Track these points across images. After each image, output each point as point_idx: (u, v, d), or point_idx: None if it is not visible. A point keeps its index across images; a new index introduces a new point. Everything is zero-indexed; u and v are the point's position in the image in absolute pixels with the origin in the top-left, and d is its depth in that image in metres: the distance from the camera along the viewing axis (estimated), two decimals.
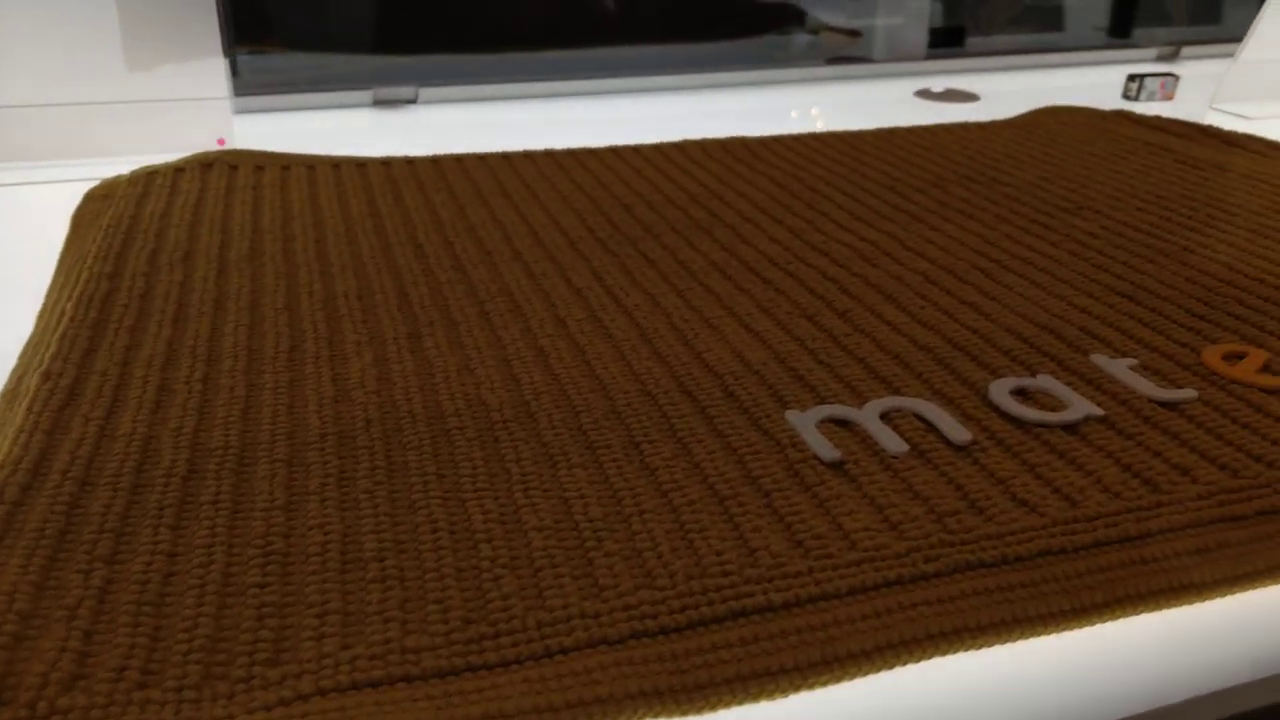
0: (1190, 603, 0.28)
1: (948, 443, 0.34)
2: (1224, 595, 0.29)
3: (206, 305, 0.45)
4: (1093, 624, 0.27)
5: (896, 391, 0.38)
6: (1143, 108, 0.93)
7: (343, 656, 0.25)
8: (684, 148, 0.71)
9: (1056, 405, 0.37)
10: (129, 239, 0.52)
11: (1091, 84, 1.00)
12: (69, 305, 0.44)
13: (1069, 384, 0.38)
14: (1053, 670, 0.26)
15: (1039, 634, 0.27)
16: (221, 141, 0.74)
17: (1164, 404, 0.37)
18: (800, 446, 0.34)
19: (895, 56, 1.07)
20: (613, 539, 0.30)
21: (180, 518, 0.30)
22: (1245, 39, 0.88)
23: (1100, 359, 0.40)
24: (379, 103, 0.90)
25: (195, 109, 0.72)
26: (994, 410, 0.36)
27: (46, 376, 0.38)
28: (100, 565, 0.28)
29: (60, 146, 0.69)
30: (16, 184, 0.65)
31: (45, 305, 0.46)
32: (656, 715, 0.24)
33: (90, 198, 0.60)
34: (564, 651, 0.26)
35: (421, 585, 0.28)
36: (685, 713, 0.24)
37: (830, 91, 0.98)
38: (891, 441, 0.34)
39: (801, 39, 1.26)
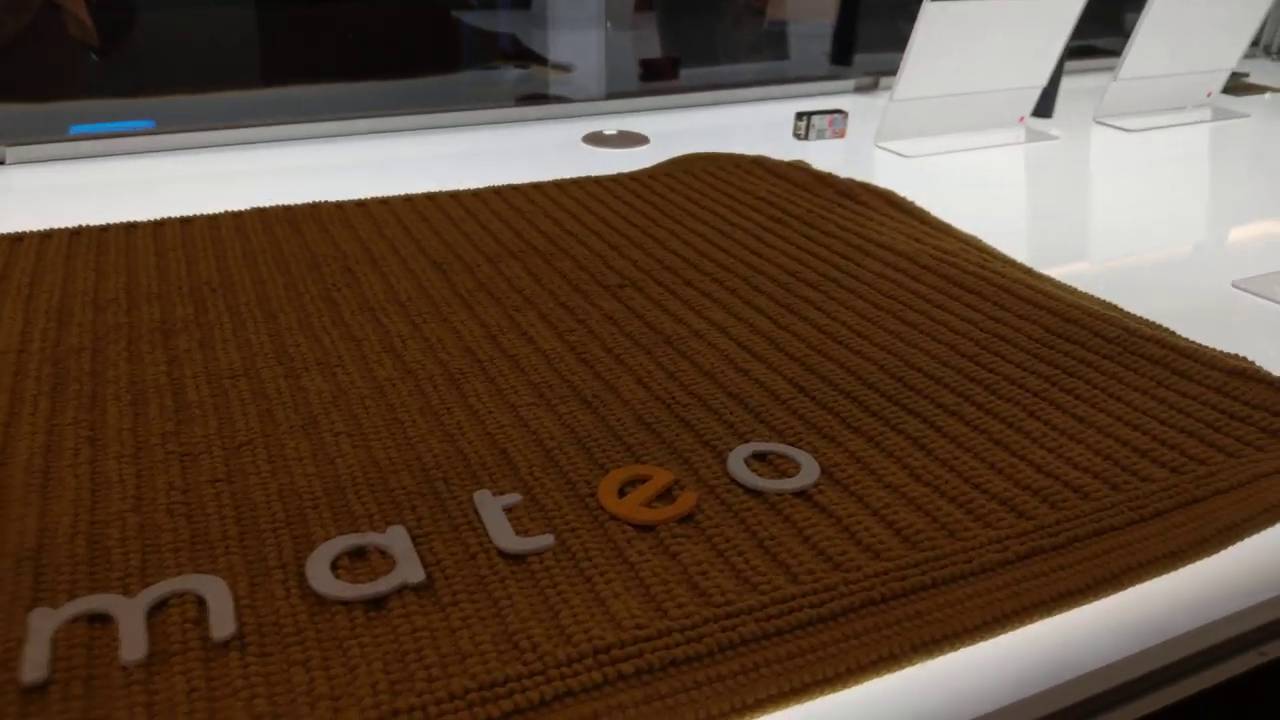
0: None
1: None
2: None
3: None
4: None
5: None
6: (814, 145, 0.92)
7: None
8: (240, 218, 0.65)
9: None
10: None
11: (780, 118, 0.98)
12: None
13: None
14: None
15: None
16: None
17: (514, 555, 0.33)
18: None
19: (578, 95, 1.04)
20: None
21: None
22: (897, 77, 0.87)
23: (480, 494, 0.36)
24: None
25: None
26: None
27: None
28: None
29: None
30: None
31: None
32: None
33: None
34: None
35: None
36: None
37: (508, 135, 0.93)
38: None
39: (510, 73, 1.22)
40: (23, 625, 0.30)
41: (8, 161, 0.81)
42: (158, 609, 0.31)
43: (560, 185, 0.73)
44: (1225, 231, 0.74)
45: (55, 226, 0.63)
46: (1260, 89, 1.20)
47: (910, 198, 0.72)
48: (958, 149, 0.90)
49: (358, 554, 0.33)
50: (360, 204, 0.68)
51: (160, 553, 0.33)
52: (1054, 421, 0.42)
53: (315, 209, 0.66)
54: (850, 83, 1.14)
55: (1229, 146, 0.97)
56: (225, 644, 0.29)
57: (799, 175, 0.76)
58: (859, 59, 1.31)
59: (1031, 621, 0.32)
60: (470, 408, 0.42)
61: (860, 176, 0.77)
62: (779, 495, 0.36)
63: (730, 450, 0.39)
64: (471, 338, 0.49)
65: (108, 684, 0.28)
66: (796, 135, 0.94)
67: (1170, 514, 0.36)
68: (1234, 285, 0.61)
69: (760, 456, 0.39)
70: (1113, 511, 0.36)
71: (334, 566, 0.33)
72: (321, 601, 0.31)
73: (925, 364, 0.47)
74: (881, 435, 0.41)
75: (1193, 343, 0.50)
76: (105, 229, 0.62)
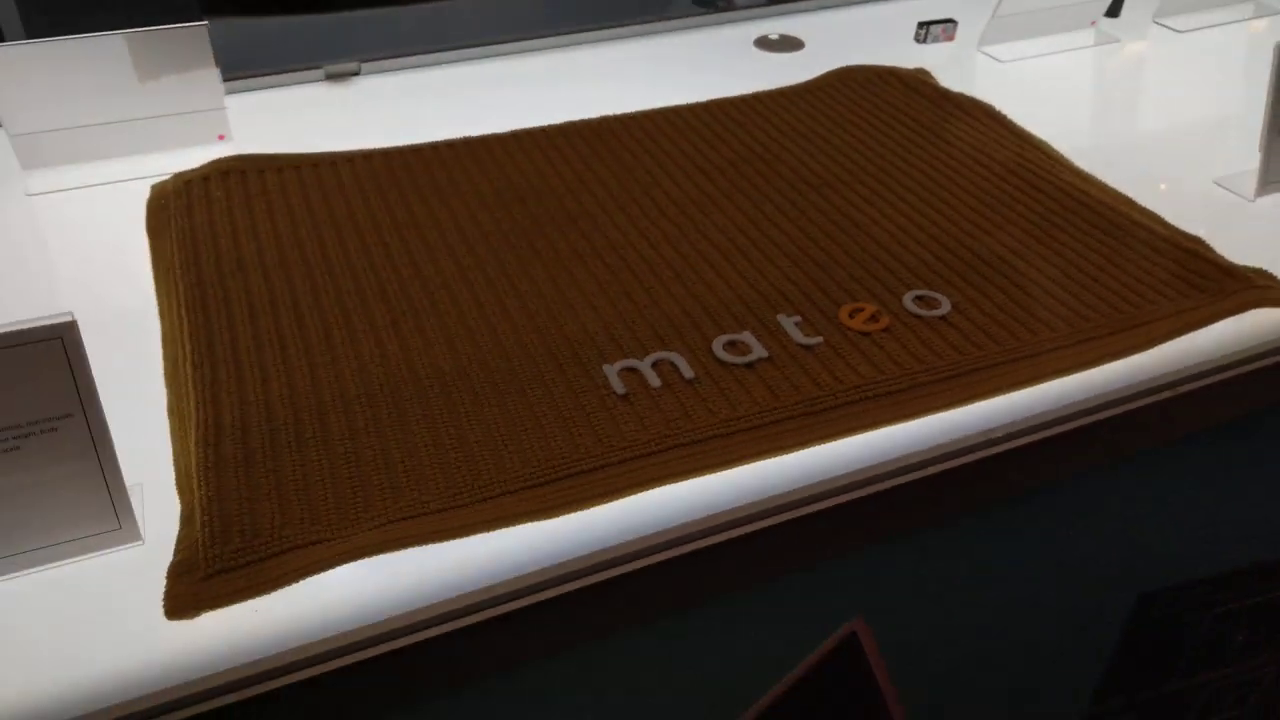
0: (776, 455, 0.62)
1: (682, 378, 0.67)
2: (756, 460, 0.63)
3: (264, 305, 0.75)
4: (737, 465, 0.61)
5: (665, 345, 0.70)
6: (931, 49, 1.22)
7: (393, 505, 0.58)
8: (564, 130, 1.00)
9: (747, 350, 0.70)
10: (195, 252, 0.81)
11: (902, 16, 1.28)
12: (184, 311, 0.74)
13: (759, 336, 0.71)
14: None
15: (714, 469, 0.61)
16: (221, 136, 1.01)
17: (805, 347, 0.70)
18: (608, 386, 0.67)
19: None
20: (514, 442, 0.62)
21: (300, 446, 0.62)
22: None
23: (781, 317, 0.73)
24: (330, 77, 1.15)
25: (201, 116, 0.98)
26: (713, 358, 0.69)
27: (195, 365, 0.68)
28: (270, 473, 0.60)
29: (102, 152, 0.96)
30: (81, 186, 0.93)
31: (161, 306, 0.76)
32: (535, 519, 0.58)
33: (151, 209, 0.88)
34: (489, 499, 0.59)
35: (425, 469, 0.60)
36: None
37: (683, 42, 1.25)
38: (654, 379, 0.67)
39: None
40: (600, 370, 0.68)
41: (361, 73, 1.16)
42: (654, 364, 0.68)
43: (759, 98, 1.06)
44: (1222, 132, 1.04)
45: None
46: None
47: (1002, 98, 1.04)
48: (1043, 53, 1.20)
49: (731, 344, 0.71)
50: (629, 117, 1.02)
51: (643, 338, 0.71)
52: (1053, 277, 0.76)
53: (605, 122, 1.01)
54: None
55: (1265, 45, 1.24)
56: (690, 381, 0.67)
57: (925, 89, 1.07)
58: None
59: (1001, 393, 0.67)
60: (757, 266, 0.78)
61: (964, 77, 1.10)
62: (932, 319, 0.72)
63: (902, 295, 0.75)
64: (741, 223, 0.84)
65: (645, 399, 0.66)
66: (917, 39, 1.24)
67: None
68: (1215, 182, 0.93)
69: (919, 297, 0.75)
70: (1094, 329, 0.71)
71: (724, 347, 0.70)
72: (723, 364, 0.69)
73: (1008, 240, 0.81)
74: (983, 284, 0.76)
75: (1170, 226, 0.83)
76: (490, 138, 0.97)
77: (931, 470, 0.61)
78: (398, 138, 1.00)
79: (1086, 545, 0.79)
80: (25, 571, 0.55)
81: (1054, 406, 0.65)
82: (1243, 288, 0.75)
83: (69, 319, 0.51)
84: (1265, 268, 0.79)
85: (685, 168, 0.93)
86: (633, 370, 0.68)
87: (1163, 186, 0.92)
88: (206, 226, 0.84)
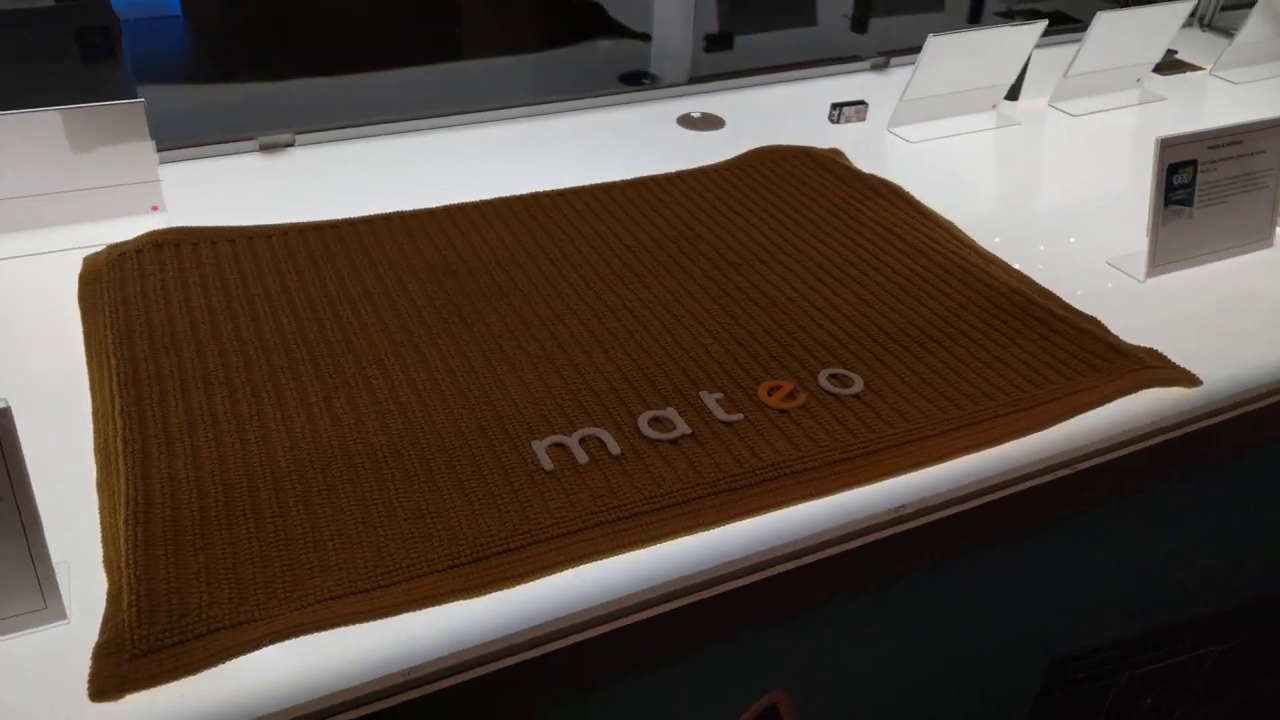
0: (699, 531, 0.65)
1: (609, 454, 0.70)
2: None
3: (197, 380, 0.76)
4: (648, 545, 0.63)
5: (593, 422, 0.73)
6: (844, 129, 1.28)
7: (321, 584, 0.59)
8: (495, 206, 1.02)
9: (671, 427, 0.72)
10: (128, 325, 0.81)
11: (814, 96, 1.34)
12: (116, 387, 0.74)
13: (682, 412, 0.74)
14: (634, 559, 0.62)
15: (638, 546, 0.63)
16: (155, 208, 1.01)
17: (726, 423, 0.73)
18: (537, 462, 0.69)
19: (670, 76, 1.39)
20: (442, 519, 0.64)
21: (230, 524, 0.63)
22: (907, 84, 1.23)
23: (704, 394, 0.76)
24: (264, 148, 1.17)
25: (135, 188, 0.99)
26: (638, 434, 0.72)
27: (126, 442, 0.69)
28: (199, 551, 0.61)
29: (37, 222, 0.96)
30: (12, 256, 0.92)
31: (92, 380, 0.76)
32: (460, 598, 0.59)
33: (84, 281, 0.88)
34: (417, 577, 0.60)
35: (355, 547, 0.61)
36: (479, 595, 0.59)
37: (609, 119, 1.29)
38: (581, 456, 0.69)
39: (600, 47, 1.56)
40: (529, 446, 0.70)
41: (295, 144, 1.17)
42: (582, 440, 0.71)
43: (682, 176, 1.10)
44: (1114, 211, 1.12)
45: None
46: (1186, 67, 1.55)
47: (911, 178, 1.11)
48: (948, 134, 1.27)
49: (656, 420, 0.73)
50: (559, 193, 1.05)
51: (571, 414, 0.73)
52: (959, 356, 0.81)
53: (535, 198, 1.04)
54: (867, 63, 1.49)
55: (1150, 128, 1.33)
56: (616, 457, 0.70)
57: (839, 169, 1.13)
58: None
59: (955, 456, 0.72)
60: (680, 343, 0.82)
61: (875, 157, 1.16)
62: (845, 396, 0.76)
63: (818, 373, 0.79)
64: (665, 300, 0.88)
65: (572, 474, 0.68)
66: (831, 119, 1.30)
67: (1027, 410, 0.76)
68: (1108, 263, 1.00)
69: (833, 375, 0.79)
70: (996, 409, 0.76)
71: (649, 424, 0.73)
72: (648, 440, 0.71)
73: (917, 320, 0.86)
74: (894, 363, 0.80)
75: (1068, 307, 0.89)
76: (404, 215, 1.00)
77: (846, 546, 0.65)
78: (332, 209, 1.02)
79: (995, 614, 0.83)
80: None
81: (963, 482, 0.69)
82: (1135, 368, 0.81)
83: (3, 405, 0.51)
84: (1155, 347, 0.84)
85: (613, 244, 0.96)
86: (561, 446, 0.71)
87: (1055, 268, 0.99)
88: (139, 299, 0.85)
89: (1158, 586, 0.96)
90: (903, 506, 0.67)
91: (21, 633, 0.57)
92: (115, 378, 0.75)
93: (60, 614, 0.58)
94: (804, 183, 1.10)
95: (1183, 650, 1.01)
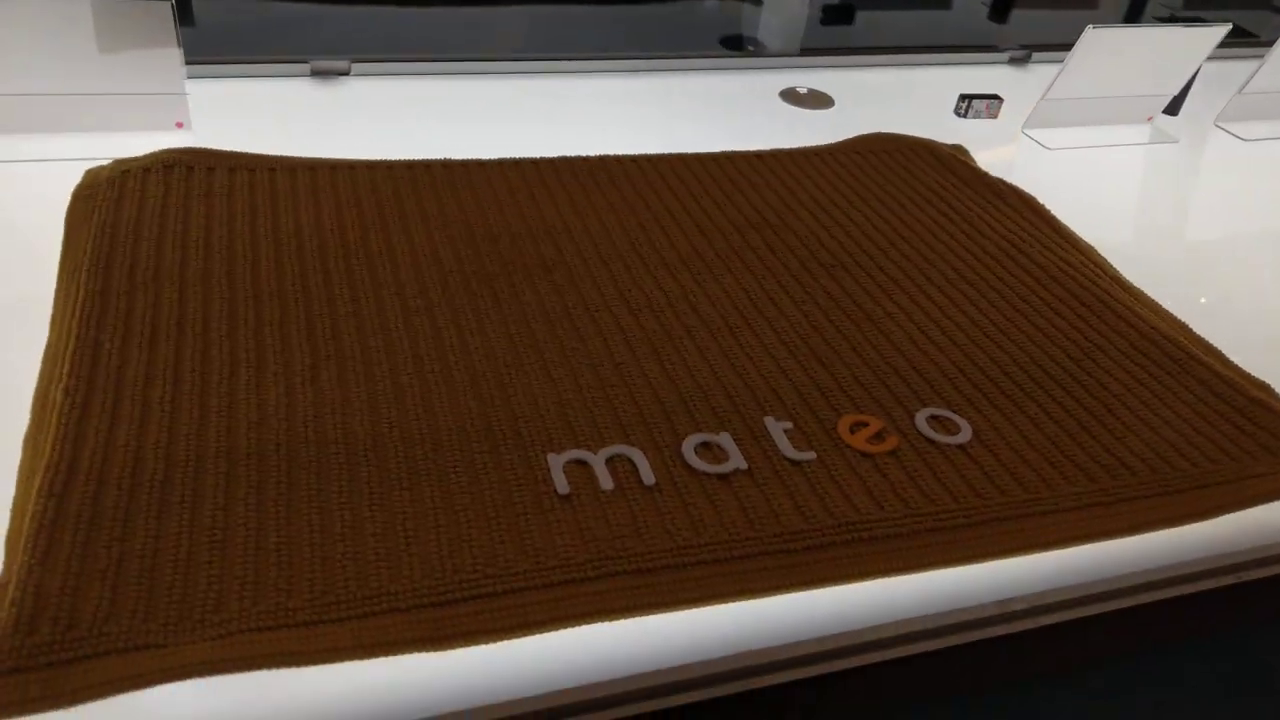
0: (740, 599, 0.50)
1: (640, 483, 0.56)
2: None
3: (169, 327, 0.63)
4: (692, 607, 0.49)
5: (627, 438, 0.59)
6: (971, 124, 1.12)
7: (251, 609, 0.46)
8: (555, 165, 0.89)
9: (723, 458, 0.58)
10: (110, 253, 0.69)
11: (943, 83, 1.17)
12: (75, 324, 0.62)
13: (739, 440, 0.59)
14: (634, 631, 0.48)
15: (659, 609, 0.49)
16: (180, 124, 0.90)
17: (793, 462, 0.58)
18: (549, 481, 0.55)
19: (778, 45, 1.23)
20: (418, 542, 0.51)
21: (161, 512, 0.51)
22: (1053, 81, 1.05)
23: (769, 420, 0.61)
24: (315, 73, 1.05)
25: (158, 99, 0.88)
26: (681, 461, 0.57)
27: (67, 393, 0.57)
28: (115, 543, 0.49)
29: (49, 125, 0.85)
30: (15, 160, 0.82)
31: (54, 313, 0.65)
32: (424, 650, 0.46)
33: (77, 196, 0.77)
34: (373, 615, 0.47)
35: (303, 564, 0.49)
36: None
37: (703, 84, 1.14)
38: (606, 480, 0.55)
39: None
40: (543, 459, 0.56)
41: (351, 74, 1.05)
42: (610, 460, 0.57)
43: (777, 156, 0.95)
44: None
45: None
46: None
47: (1045, 189, 0.93)
48: (1092, 144, 1.09)
49: (705, 446, 0.59)
50: (630, 159, 0.91)
51: (601, 425, 0.59)
52: (1094, 411, 0.65)
53: (604, 161, 0.90)
54: (1004, 55, 1.31)
55: None
56: (649, 488, 0.55)
57: (961, 169, 0.96)
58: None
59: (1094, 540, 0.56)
60: (749, 353, 0.67)
61: (1004, 160, 0.99)
62: (947, 446, 0.61)
63: (916, 411, 0.63)
64: (738, 298, 0.73)
65: (592, 501, 0.54)
66: (957, 112, 1.13)
67: (1180, 493, 0.59)
68: None
69: (935, 417, 0.63)
70: (1140, 487, 0.60)
71: (696, 450, 0.58)
72: (692, 471, 0.57)
73: (1043, 360, 0.70)
74: (1011, 411, 0.64)
75: (1233, 366, 0.72)
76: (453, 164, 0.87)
77: (930, 645, 0.50)
78: (375, 149, 0.89)
79: None
80: None
81: (1091, 577, 0.54)
82: None
83: None
84: None
85: (683, 225, 0.82)
86: (582, 464, 0.57)
87: (1221, 315, 0.81)
88: (131, 224, 0.73)
89: None
90: (1010, 601, 0.52)
91: None
92: (79, 313, 0.64)
93: None
94: (919, 179, 0.94)
95: None
